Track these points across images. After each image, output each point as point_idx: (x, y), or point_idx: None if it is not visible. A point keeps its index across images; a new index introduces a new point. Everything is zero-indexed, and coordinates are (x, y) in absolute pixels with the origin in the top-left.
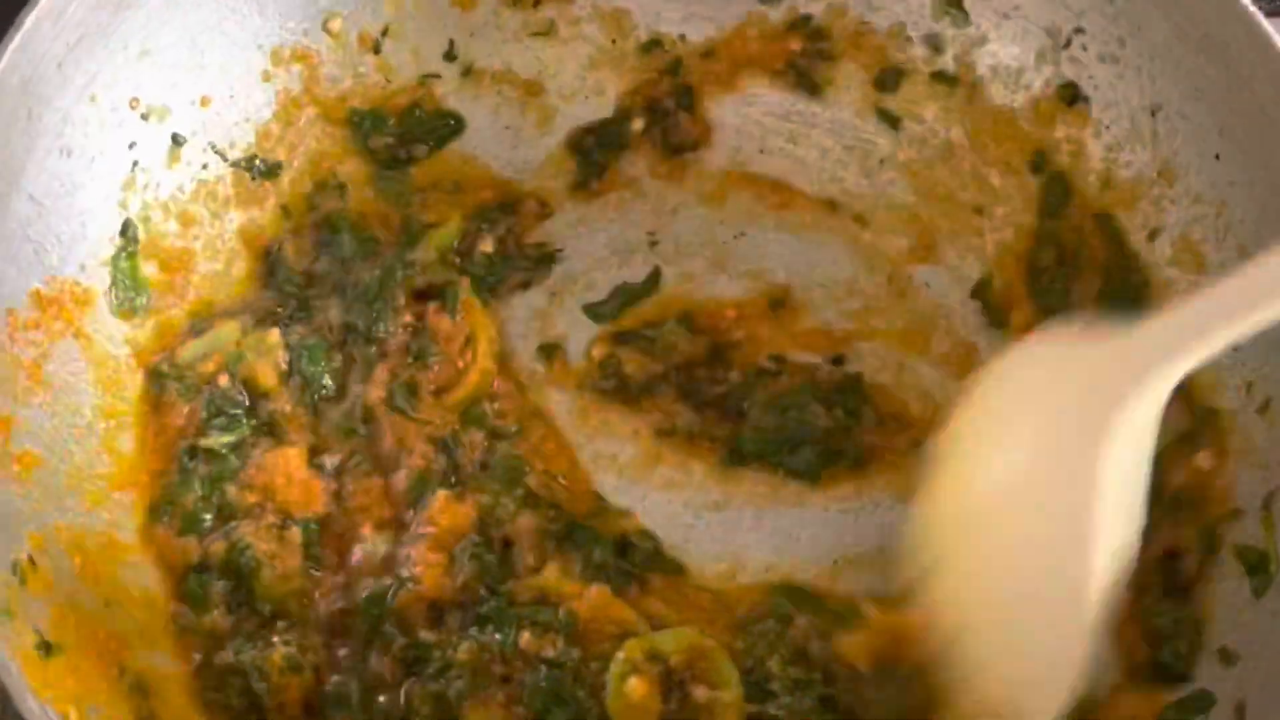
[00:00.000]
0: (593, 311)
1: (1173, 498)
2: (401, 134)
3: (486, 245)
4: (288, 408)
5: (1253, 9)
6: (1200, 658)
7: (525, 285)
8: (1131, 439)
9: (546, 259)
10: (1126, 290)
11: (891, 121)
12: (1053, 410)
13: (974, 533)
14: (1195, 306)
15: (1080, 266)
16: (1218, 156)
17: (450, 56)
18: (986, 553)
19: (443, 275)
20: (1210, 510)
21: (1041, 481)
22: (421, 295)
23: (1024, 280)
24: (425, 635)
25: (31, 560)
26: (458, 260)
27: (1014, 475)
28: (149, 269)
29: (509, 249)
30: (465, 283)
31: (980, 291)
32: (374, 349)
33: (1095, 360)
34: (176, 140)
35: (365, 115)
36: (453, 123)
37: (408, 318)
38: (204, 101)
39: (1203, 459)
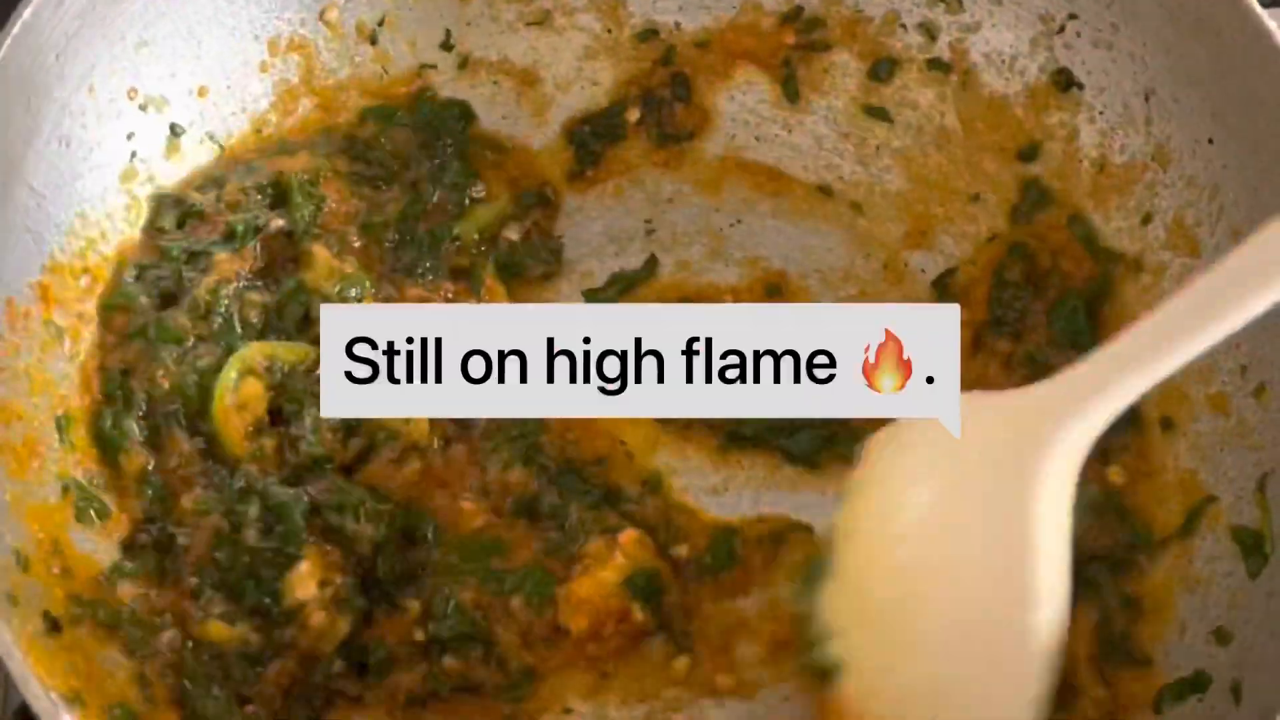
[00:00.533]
0: (592, 298)
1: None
2: (413, 124)
3: (512, 233)
4: None
5: None
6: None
7: (547, 277)
8: (1059, 487)
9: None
10: (1083, 314)
11: (885, 111)
12: (972, 466)
13: (893, 608)
14: (1111, 353)
15: (1046, 288)
16: (1210, 140)
17: (447, 46)
18: (912, 628)
19: (468, 257)
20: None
21: (967, 541)
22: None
23: (989, 281)
24: None
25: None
26: (480, 246)
27: (932, 541)
28: None
29: (533, 239)
30: (490, 266)
31: (942, 279)
32: None
33: (1018, 412)
34: (175, 131)
35: (372, 112)
36: (458, 111)
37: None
38: (201, 92)
39: (1114, 474)
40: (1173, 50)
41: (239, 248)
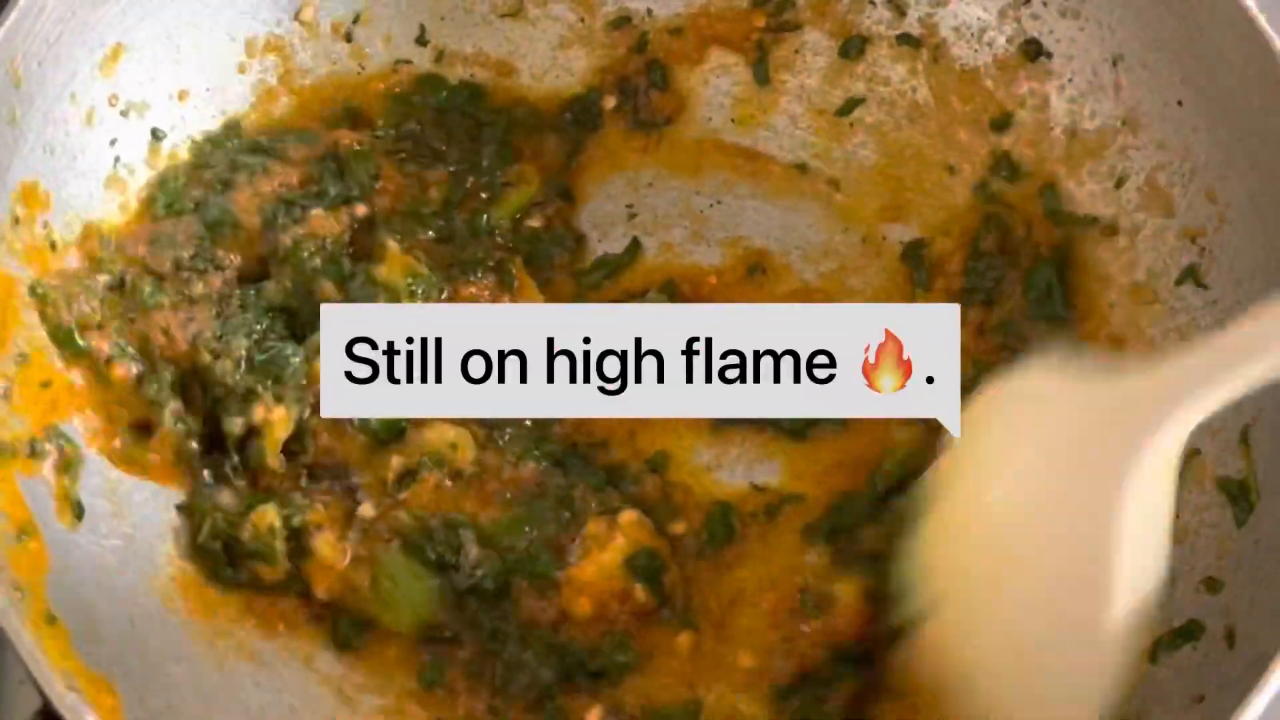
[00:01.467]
0: (582, 279)
1: None
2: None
3: (534, 221)
4: None
5: None
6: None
7: (567, 267)
8: (1154, 477)
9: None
10: (1056, 281)
11: (857, 88)
12: (1069, 446)
13: (982, 572)
14: (1224, 342)
15: (1019, 256)
16: (1180, 103)
17: (422, 41)
18: (997, 593)
19: (498, 250)
20: None
21: (1057, 522)
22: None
23: (964, 251)
24: None
25: None
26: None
27: (1025, 514)
28: None
29: (555, 228)
30: (519, 260)
31: (915, 249)
32: None
33: (1115, 395)
34: (156, 135)
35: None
36: (468, 94)
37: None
38: (181, 95)
39: None
40: (1140, 15)
41: (329, 208)
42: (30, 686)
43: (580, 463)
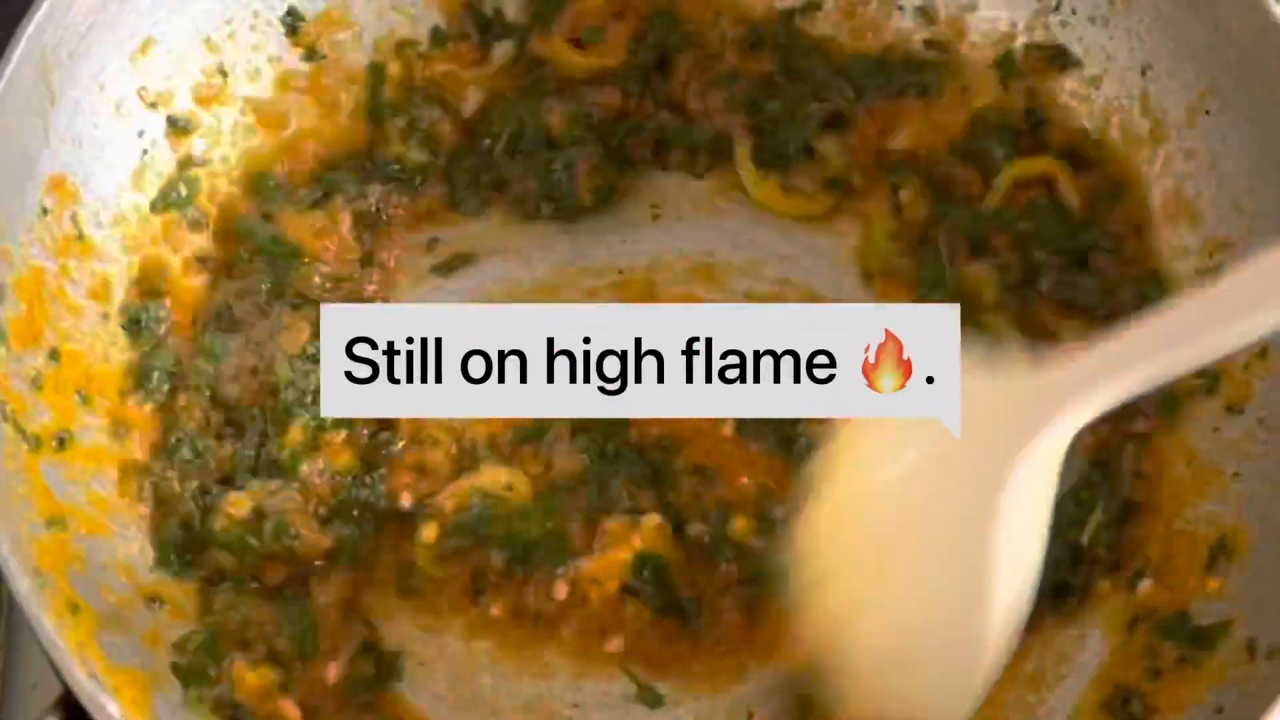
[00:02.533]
0: None
1: None
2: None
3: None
4: None
5: None
6: None
7: None
8: (1034, 483)
9: None
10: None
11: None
12: (958, 441)
13: (866, 554)
14: (1105, 352)
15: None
16: (1208, 113)
17: None
18: (879, 578)
19: None
20: None
21: (940, 514)
22: None
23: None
24: None
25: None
26: None
27: (911, 503)
28: None
29: None
30: None
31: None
32: None
33: (1005, 395)
34: (184, 127)
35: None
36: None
37: None
38: (209, 88)
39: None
40: (1169, 25)
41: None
42: (42, 688)
43: (631, 455)
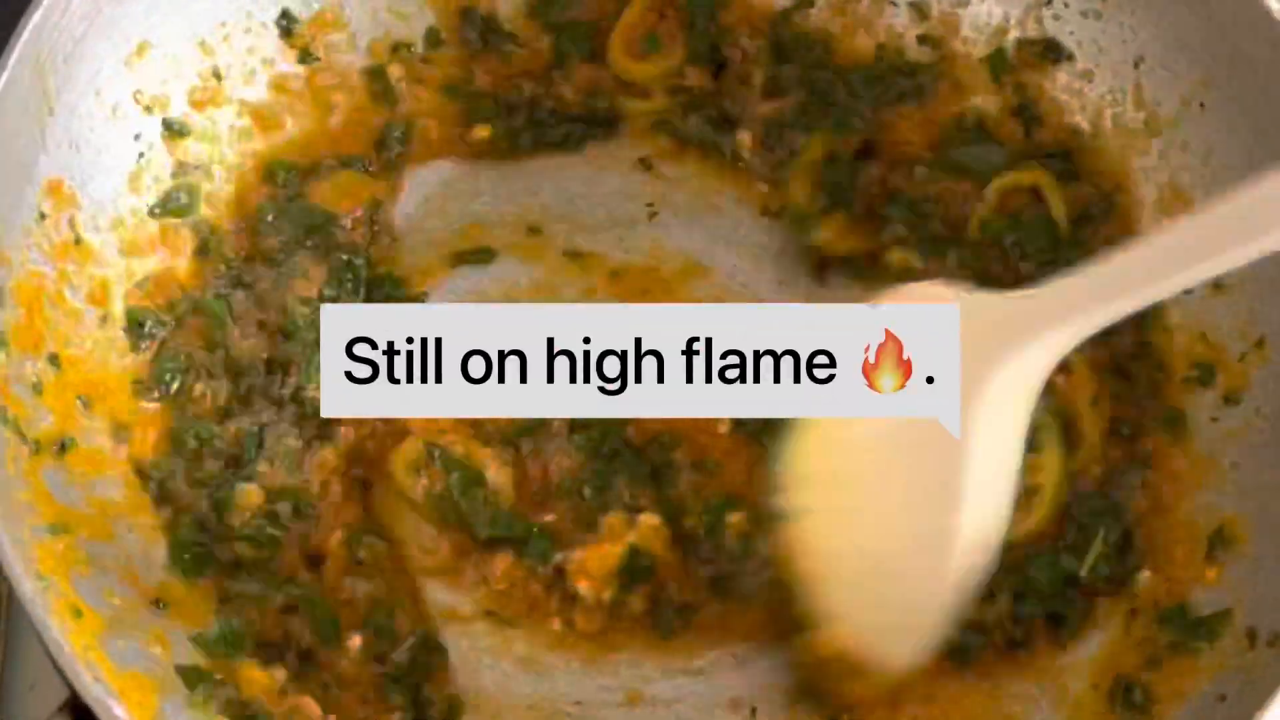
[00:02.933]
0: None
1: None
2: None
3: None
4: None
5: None
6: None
7: None
8: (1008, 403)
9: None
10: None
11: None
12: None
13: (847, 473)
14: (1082, 281)
15: None
16: (1202, 105)
17: None
18: (858, 496)
19: None
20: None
21: (912, 433)
22: None
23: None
24: None
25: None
26: None
27: (889, 420)
28: None
29: None
30: None
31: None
32: None
33: (978, 319)
34: (179, 131)
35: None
36: None
37: None
38: (205, 91)
39: None
40: (1162, 17)
41: None
42: (40, 689)
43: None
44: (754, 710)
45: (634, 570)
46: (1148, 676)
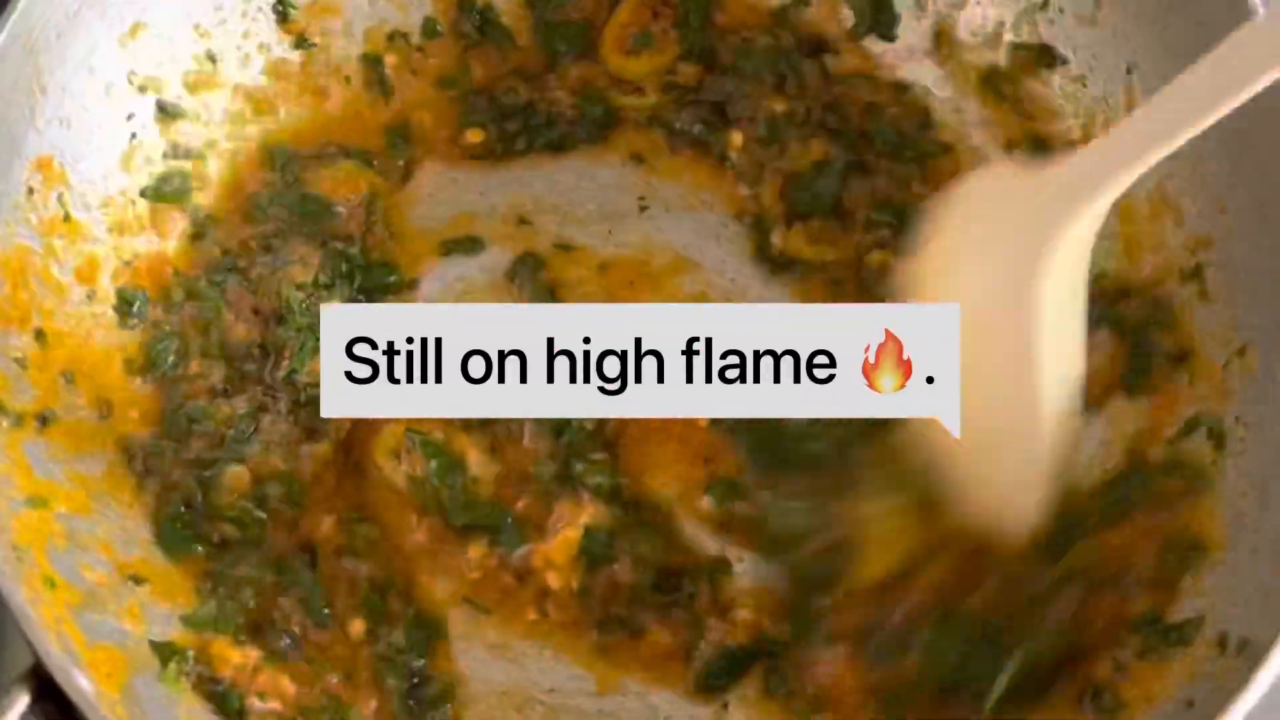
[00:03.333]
0: None
1: None
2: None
3: None
4: None
5: None
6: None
7: None
8: (1067, 266)
9: None
10: None
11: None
12: (997, 241)
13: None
14: (1116, 139)
15: None
16: None
17: None
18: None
19: None
20: None
21: (992, 308)
22: None
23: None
24: None
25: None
26: None
27: (972, 303)
28: None
29: None
30: None
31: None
32: None
33: (1030, 192)
34: (173, 112)
35: None
36: None
37: None
38: (199, 74)
39: None
40: (1155, 23)
41: None
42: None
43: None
44: (725, 705)
45: (592, 553)
46: (1119, 682)
